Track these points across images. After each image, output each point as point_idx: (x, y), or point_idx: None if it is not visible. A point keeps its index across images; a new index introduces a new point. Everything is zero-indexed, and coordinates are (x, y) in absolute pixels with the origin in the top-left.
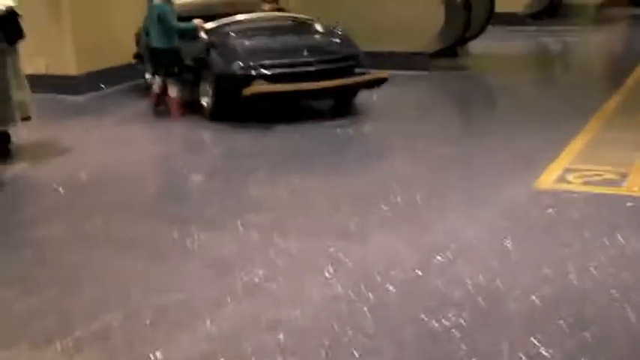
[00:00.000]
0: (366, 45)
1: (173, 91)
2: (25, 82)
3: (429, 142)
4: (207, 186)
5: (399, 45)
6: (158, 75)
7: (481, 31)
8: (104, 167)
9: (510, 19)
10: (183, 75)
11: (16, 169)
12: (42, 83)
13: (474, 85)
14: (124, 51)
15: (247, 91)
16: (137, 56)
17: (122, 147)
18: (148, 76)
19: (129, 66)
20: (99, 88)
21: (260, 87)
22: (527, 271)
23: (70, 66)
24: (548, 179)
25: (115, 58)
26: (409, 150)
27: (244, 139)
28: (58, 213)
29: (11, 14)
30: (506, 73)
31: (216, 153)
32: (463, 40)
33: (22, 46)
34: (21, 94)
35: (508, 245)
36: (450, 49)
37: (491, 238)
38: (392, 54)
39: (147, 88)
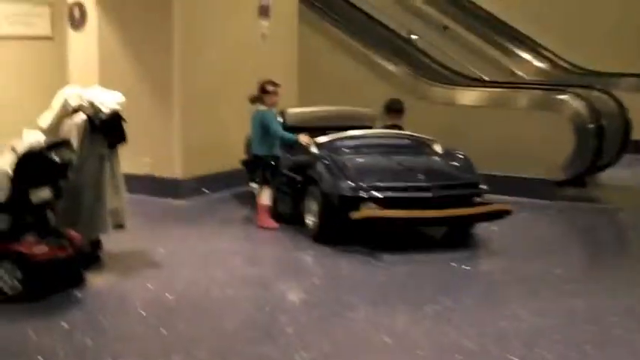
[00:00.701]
0: (486, 166)
1: (265, 198)
2: (123, 188)
3: (554, 288)
4: (301, 321)
5: (523, 170)
6: (255, 182)
7: (615, 160)
8: (192, 289)
9: None
10: (285, 186)
11: (102, 282)
12: (144, 184)
13: (604, 221)
14: (231, 156)
15: (356, 214)
16: (244, 163)
17: (215, 264)
18: (253, 185)
19: (234, 172)
20: (202, 193)
21: (370, 211)
22: None
23: (175, 168)
24: None
25: (221, 163)
26: (532, 297)
27: (346, 267)
28: (135, 343)
29: (115, 117)
30: None
31: (314, 280)
32: (594, 169)
33: (128, 145)
34: (116, 200)
35: None
36: (579, 178)
37: None
38: (514, 179)
39: (252, 196)
